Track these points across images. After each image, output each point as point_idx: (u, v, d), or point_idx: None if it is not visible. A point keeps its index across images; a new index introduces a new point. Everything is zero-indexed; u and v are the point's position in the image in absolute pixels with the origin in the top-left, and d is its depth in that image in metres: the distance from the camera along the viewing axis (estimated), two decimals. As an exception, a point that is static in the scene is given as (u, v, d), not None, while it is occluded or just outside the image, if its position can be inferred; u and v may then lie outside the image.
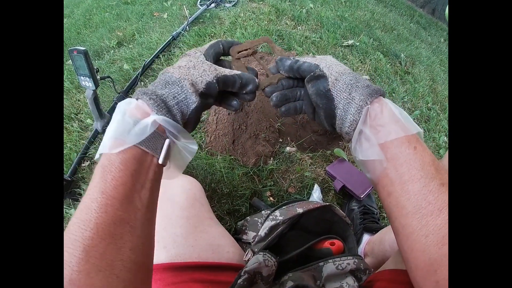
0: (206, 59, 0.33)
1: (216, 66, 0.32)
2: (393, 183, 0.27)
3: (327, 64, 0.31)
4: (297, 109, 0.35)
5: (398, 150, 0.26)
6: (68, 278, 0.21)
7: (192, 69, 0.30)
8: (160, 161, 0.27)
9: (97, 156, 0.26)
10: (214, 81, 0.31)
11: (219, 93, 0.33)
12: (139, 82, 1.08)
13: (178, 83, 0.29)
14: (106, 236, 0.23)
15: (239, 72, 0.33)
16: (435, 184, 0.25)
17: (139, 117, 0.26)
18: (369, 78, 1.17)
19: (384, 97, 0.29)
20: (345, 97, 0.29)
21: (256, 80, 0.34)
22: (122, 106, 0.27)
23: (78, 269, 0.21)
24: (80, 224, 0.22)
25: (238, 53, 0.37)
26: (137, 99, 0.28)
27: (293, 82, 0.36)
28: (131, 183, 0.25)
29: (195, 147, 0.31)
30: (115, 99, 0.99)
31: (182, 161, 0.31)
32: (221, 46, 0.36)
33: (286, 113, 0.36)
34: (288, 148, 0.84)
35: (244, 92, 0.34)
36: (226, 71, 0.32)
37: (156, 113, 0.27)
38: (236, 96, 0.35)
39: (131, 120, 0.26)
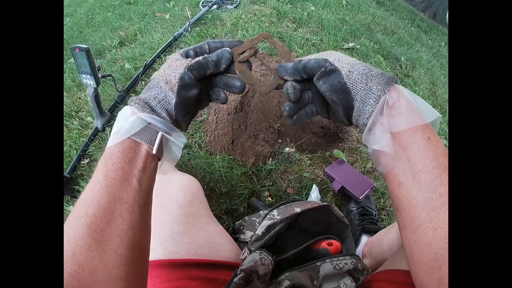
0: (183, 57, 0.33)
1: (190, 59, 0.32)
2: (405, 173, 0.26)
3: (336, 57, 0.30)
4: (307, 114, 0.34)
5: (412, 139, 0.26)
6: (71, 253, 0.23)
7: (167, 69, 0.32)
8: (154, 151, 0.30)
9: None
10: (186, 71, 0.31)
11: (206, 87, 0.35)
12: (140, 82, 1.08)
13: (157, 85, 0.31)
14: (107, 213, 0.25)
15: (208, 54, 0.33)
16: (447, 176, 0.24)
17: (131, 117, 0.30)
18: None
19: (397, 84, 0.28)
20: (362, 88, 0.28)
21: (228, 49, 0.33)
22: (121, 112, 0.31)
23: (80, 243, 0.23)
24: (84, 203, 0.25)
25: (239, 55, 0.34)
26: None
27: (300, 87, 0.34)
28: (128, 168, 0.28)
29: (183, 139, 0.33)
30: (116, 97, 0.99)
31: (173, 154, 0.34)
32: (206, 46, 0.34)
33: (297, 121, 0.34)
34: (287, 149, 0.84)
35: (223, 67, 0.33)
36: (198, 58, 0.32)
37: (141, 112, 0.30)
38: (224, 89, 0.35)
39: (124, 120, 0.30)
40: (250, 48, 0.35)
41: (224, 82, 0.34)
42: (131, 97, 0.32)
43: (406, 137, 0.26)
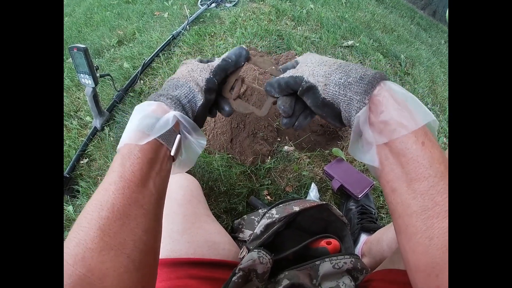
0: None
1: (211, 63, 0.35)
2: (398, 179, 0.25)
3: (310, 70, 0.30)
4: (307, 117, 0.35)
5: (404, 146, 0.24)
6: (81, 256, 0.22)
7: (192, 71, 0.34)
8: (172, 153, 0.30)
9: (120, 145, 0.28)
10: (211, 76, 0.34)
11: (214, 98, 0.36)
12: (138, 81, 1.08)
13: (186, 85, 0.32)
14: (121, 216, 0.24)
15: (224, 55, 0.36)
16: (444, 184, 0.23)
17: (160, 114, 0.29)
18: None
19: (386, 80, 0.27)
20: (343, 100, 0.27)
21: (244, 48, 0.36)
22: (143, 106, 0.30)
23: (91, 247, 0.22)
24: (97, 205, 0.24)
25: (229, 91, 0.37)
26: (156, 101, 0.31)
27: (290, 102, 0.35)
28: (147, 170, 0.27)
29: (204, 142, 0.34)
30: (114, 97, 0.99)
31: (193, 154, 0.34)
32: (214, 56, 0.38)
33: (299, 127, 0.35)
34: (286, 147, 0.84)
35: (242, 64, 0.36)
36: (216, 62, 0.35)
37: (174, 109, 0.30)
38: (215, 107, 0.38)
39: (154, 117, 0.28)
40: (236, 79, 0.37)
41: (217, 102, 0.37)
42: (154, 93, 0.31)
43: (397, 143, 0.25)
